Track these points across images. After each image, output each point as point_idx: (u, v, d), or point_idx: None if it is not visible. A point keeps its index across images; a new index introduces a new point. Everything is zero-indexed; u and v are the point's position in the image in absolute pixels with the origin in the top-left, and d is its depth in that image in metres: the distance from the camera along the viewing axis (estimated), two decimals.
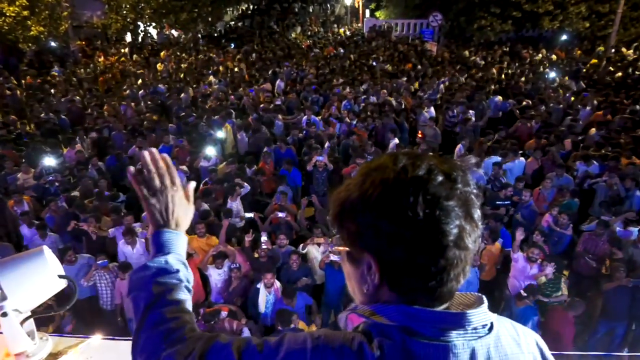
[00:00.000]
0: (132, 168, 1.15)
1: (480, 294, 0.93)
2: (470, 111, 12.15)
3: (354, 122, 11.71)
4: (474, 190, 0.85)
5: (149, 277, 1.08)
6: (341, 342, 0.85)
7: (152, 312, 1.03)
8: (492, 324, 0.89)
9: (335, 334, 0.88)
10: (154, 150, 1.19)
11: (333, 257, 6.02)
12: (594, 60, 18.80)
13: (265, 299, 6.18)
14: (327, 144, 10.07)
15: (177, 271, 1.10)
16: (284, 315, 5.30)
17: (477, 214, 0.85)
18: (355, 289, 0.94)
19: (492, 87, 14.71)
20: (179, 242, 1.16)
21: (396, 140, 10.37)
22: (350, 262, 0.92)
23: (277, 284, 6.25)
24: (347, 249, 0.91)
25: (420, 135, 11.30)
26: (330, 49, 21.61)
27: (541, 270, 6.23)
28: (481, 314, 0.87)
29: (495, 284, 7.39)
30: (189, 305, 1.09)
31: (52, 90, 16.15)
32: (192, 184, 1.25)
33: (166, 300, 1.05)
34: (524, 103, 13.25)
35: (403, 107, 13.09)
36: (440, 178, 0.81)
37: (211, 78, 17.25)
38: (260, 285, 6.18)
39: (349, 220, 0.86)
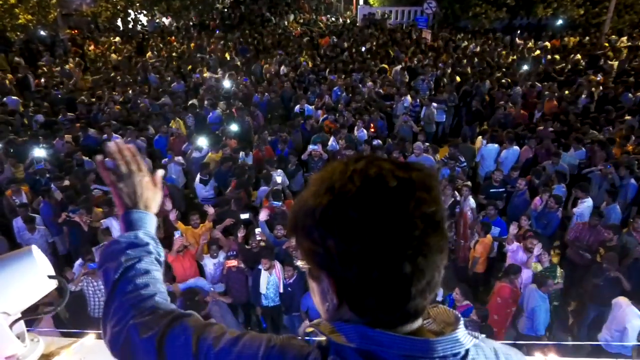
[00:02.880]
0: (99, 157, 1.19)
1: (459, 316, 0.83)
2: (434, 104, 12.03)
3: (324, 115, 11.61)
4: (438, 196, 0.76)
5: (119, 250, 1.10)
6: (294, 356, 0.82)
7: (122, 281, 1.06)
8: (467, 351, 0.80)
9: (292, 345, 0.85)
10: (120, 141, 1.25)
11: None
12: (606, 44, 18.77)
13: (266, 280, 6.30)
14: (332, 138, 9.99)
15: (147, 244, 1.14)
16: None
17: (442, 221, 0.75)
18: (318, 305, 0.87)
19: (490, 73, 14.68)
20: (148, 221, 1.19)
21: (364, 131, 10.29)
22: (311, 278, 0.85)
23: (278, 266, 6.33)
24: (307, 265, 0.83)
25: (372, 130, 10.82)
26: (327, 39, 21.30)
27: (538, 260, 6.25)
28: (450, 342, 0.78)
29: (491, 274, 7.43)
30: (159, 276, 1.12)
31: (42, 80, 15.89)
32: (160, 172, 1.29)
33: (136, 269, 1.08)
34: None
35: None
36: (393, 184, 0.72)
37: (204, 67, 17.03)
38: (262, 267, 6.29)
39: (302, 236, 0.79)
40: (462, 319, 0.83)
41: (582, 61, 16.33)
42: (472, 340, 0.81)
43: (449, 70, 15.14)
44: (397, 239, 0.71)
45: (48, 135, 10.46)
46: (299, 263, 0.86)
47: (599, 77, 14.10)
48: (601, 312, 6.46)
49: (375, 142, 9.92)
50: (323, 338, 0.82)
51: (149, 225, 1.18)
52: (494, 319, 5.82)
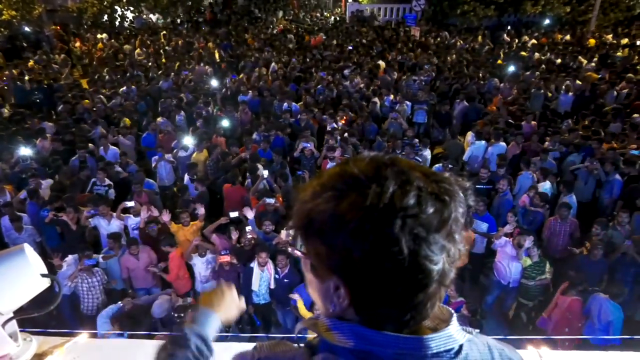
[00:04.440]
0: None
1: (452, 312, 0.83)
2: (407, 102, 12.07)
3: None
4: (461, 210, 0.76)
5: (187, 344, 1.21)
6: None
7: None
8: (460, 346, 0.80)
9: (277, 352, 0.86)
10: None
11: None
12: (592, 41, 18.97)
13: (259, 276, 6.29)
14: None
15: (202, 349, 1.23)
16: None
17: (460, 234, 0.76)
18: (317, 300, 0.85)
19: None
20: (212, 321, 1.32)
21: (334, 125, 10.30)
22: (314, 274, 0.82)
23: (270, 263, 6.33)
24: (311, 261, 0.81)
25: (343, 121, 10.77)
26: (319, 38, 21.12)
27: (528, 254, 6.33)
28: (443, 338, 0.78)
29: (480, 271, 7.51)
30: None
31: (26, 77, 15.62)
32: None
33: None
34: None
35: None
36: (431, 209, 0.71)
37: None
38: (254, 264, 6.28)
39: (317, 238, 0.76)
40: (455, 314, 0.83)
41: (555, 59, 16.49)
42: (466, 336, 0.82)
43: (446, 71, 15.16)
44: (429, 266, 0.72)
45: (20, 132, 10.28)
46: (298, 252, 0.84)
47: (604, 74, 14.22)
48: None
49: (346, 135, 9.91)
50: (314, 336, 0.81)
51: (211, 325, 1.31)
52: (564, 332, 5.68)
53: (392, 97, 12.45)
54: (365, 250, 0.71)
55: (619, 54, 16.08)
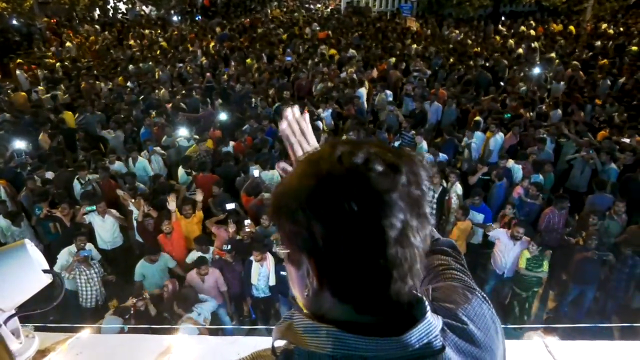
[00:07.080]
0: None
1: (420, 297, 0.80)
2: (388, 91, 12.19)
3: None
4: (425, 182, 0.76)
5: None
6: None
7: None
8: (443, 329, 0.80)
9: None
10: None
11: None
12: (572, 28, 18.86)
13: (257, 271, 6.33)
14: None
15: None
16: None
17: (426, 208, 0.75)
18: (296, 291, 0.86)
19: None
20: None
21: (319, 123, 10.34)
22: (290, 263, 0.84)
23: (270, 258, 6.34)
24: (287, 250, 0.82)
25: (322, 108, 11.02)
26: (325, 33, 20.78)
27: (526, 246, 6.34)
28: (423, 329, 0.76)
29: (478, 262, 7.54)
30: None
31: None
32: None
33: None
34: None
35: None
36: (380, 168, 0.72)
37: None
38: (253, 258, 6.32)
39: (285, 219, 0.77)
40: (427, 306, 0.79)
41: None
42: (439, 317, 0.81)
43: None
44: (384, 223, 0.70)
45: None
46: (277, 249, 0.84)
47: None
48: (582, 291, 6.67)
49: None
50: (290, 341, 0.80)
51: None
52: None
53: (364, 90, 12.42)
54: (322, 220, 0.71)
55: (634, 47, 15.82)
